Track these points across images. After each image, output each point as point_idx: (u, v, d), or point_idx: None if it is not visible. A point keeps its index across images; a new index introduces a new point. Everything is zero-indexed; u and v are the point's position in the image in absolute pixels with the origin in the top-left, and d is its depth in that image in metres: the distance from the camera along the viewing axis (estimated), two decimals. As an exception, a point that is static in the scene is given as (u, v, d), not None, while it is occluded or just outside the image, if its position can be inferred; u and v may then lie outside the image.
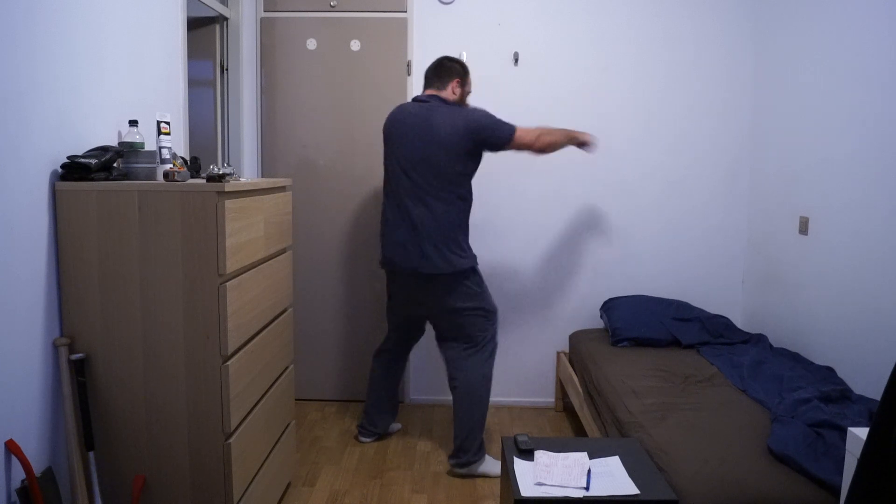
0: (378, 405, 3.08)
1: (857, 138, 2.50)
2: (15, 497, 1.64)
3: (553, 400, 3.58)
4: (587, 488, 1.76)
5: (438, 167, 2.64)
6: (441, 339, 2.85)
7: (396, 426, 3.24)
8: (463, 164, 2.66)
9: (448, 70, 2.78)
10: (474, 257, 2.75)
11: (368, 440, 3.11)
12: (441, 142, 2.63)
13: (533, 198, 3.46)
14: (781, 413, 2.10)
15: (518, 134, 2.67)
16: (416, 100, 2.80)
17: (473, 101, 3.37)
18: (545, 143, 2.73)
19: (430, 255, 2.65)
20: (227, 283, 1.86)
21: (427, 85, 2.81)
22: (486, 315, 2.78)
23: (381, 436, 3.14)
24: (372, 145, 3.48)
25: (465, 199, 2.72)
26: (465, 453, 2.75)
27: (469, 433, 2.74)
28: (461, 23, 3.40)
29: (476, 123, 2.64)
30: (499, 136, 2.66)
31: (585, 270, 3.52)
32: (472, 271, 2.73)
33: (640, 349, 3.02)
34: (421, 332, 3.07)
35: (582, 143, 2.87)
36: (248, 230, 2.01)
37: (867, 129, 2.44)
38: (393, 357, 3.06)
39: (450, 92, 2.76)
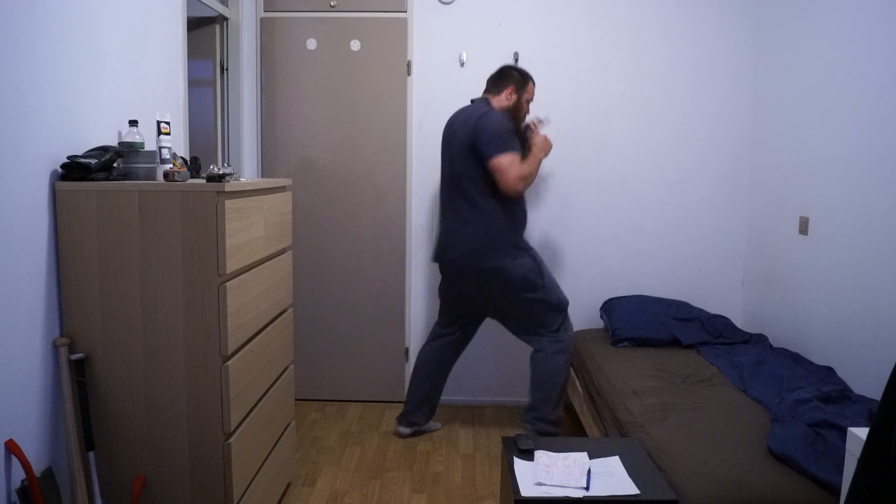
0: (413, 397, 3.13)
1: (857, 138, 2.50)
2: (15, 497, 1.64)
3: (553, 400, 3.58)
4: (587, 488, 1.76)
5: (462, 164, 2.77)
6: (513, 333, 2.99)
7: (436, 425, 3.25)
8: (476, 160, 2.73)
9: (506, 77, 2.91)
10: (507, 255, 2.77)
11: (408, 432, 3.13)
12: (461, 139, 2.77)
13: (532, 198, 3.45)
14: (781, 413, 2.10)
15: (500, 160, 2.67)
16: (471, 101, 2.95)
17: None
18: (529, 183, 2.77)
19: (463, 248, 2.78)
20: (227, 283, 1.86)
21: (485, 90, 2.94)
22: (547, 305, 2.84)
23: (420, 431, 3.18)
24: (372, 145, 3.49)
25: (497, 196, 2.75)
26: (534, 411, 2.89)
27: (538, 397, 2.88)
28: (461, 23, 3.40)
29: (481, 125, 2.72)
30: (485, 148, 2.70)
31: (585, 270, 3.52)
32: (513, 262, 2.77)
33: (640, 349, 3.01)
34: (470, 329, 3.09)
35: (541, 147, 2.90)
36: (248, 230, 2.01)
37: (867, 128, 2.44)
38: (439, 349, 3.08)
39: (504, 98, 2.87)
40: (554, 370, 2.87)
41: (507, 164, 2.68)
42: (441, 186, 2.93)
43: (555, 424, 2.89)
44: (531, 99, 2.95)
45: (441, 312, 3.09)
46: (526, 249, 2.84)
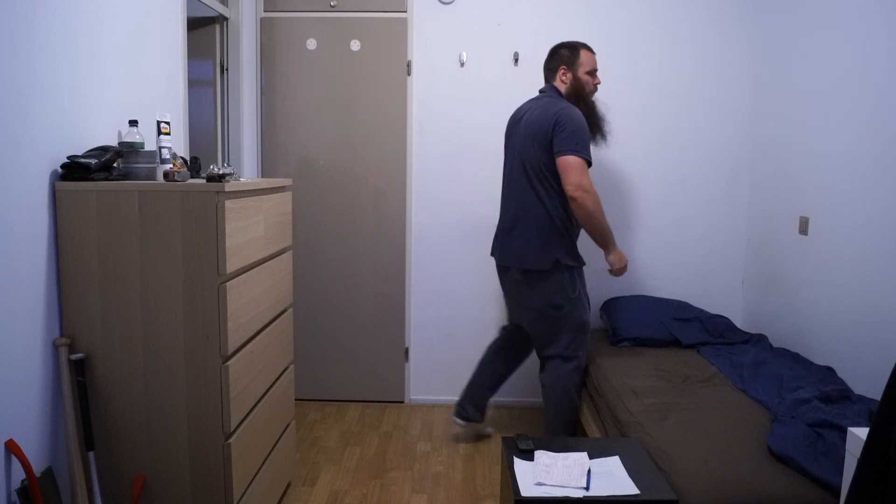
0: (470, 386, 3.04)
1: (857, 138, 2.50)
2: (15, 497, 1.64)
3: (553, 400, 3.58)
4: (587, 488, 1.76)
5: (534, 155, 2.62)
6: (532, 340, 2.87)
7: (489, 429, 3.18)
8: (550, 153, 2.58)
9: (555, 57, 2.73)
10: (560, 259, 2.63)
11: (461, 423, 3.04)
12: (533, 132, 2.61)
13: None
14: (781, 413, 2.10)
15: (572, 159, 2.49)
16: (540, 91, 2.80)
17: (475, 101, 3.40)
18: (590, 206, 2.54)
19: (513, 247, 2.69)
20: (227, 283, 1.86)
21: (545, 77, 2.81)
22: (571, 323, 2.71)
23: (474, 422, 3.05)
24: (372, 145, 3.49)
25: (562, 193, 2.60)
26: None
27: (549, 428, 2.80)
28: (461, 23, 3.40)
29: (562, 119, 2.53)
30: (561, 143, 2.52)
31: (585, 270, 3.50)
32: (555, 272, 2.64)
33: (640, 349, 3.01)
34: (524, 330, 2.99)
35: (610, 259, 2.75)
36: (248, 230, 2.01)
37: (867, 128, 2.44)
38: (504, 344, 3.00)
39: (559, 81, 2.72)
40: (558, 407, 2.75)
41: (578, 166, 2.51)
42: (505, 178, 2.80)
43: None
44: (593, 69, 2.72)
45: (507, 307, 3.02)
46: (573, 256, 2.68)
